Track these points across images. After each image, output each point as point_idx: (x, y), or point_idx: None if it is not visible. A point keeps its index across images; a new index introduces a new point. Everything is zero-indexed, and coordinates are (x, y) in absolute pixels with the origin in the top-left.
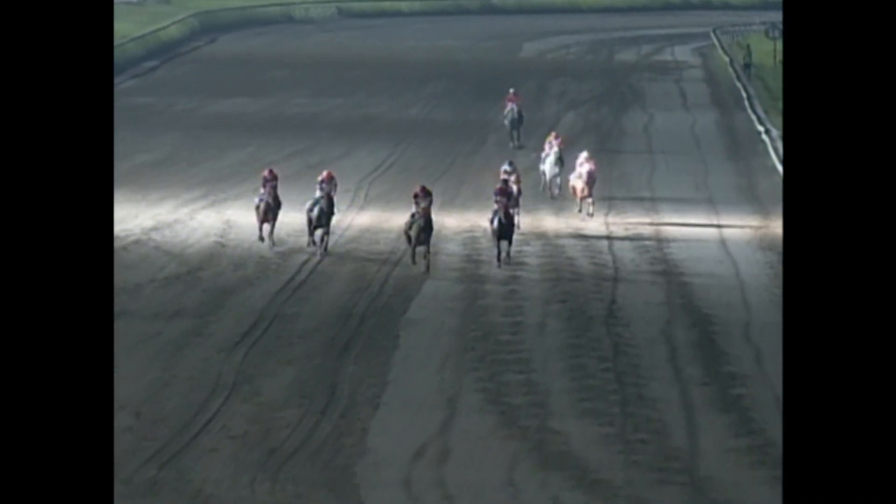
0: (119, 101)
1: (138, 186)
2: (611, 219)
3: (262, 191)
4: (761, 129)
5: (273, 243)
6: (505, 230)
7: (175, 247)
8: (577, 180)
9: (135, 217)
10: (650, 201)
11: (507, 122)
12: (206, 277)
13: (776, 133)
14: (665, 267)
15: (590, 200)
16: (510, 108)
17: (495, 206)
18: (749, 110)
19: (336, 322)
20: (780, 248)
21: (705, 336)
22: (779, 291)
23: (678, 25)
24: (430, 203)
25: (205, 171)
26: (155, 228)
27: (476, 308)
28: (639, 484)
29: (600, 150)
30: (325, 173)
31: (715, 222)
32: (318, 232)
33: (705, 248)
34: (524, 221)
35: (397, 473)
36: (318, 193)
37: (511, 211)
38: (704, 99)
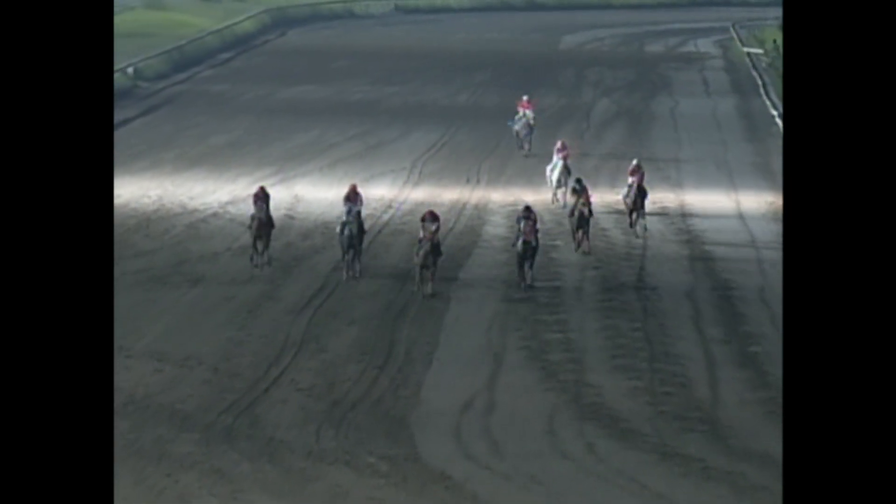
0: (198, 89)
1: (215, 165)
2: None
3: (253, 209)
4: (775, 113)
5: (268, 261)
6: (528, 253)
7: (248, 219)
8: (628, 195)
9: (213, 192)
10: (676, 178)
11: (516, 127)
12: (276, 247)
13: None
14: (689, 237)
15: (642, 217)
16: (522, 113)
17: (518, 230)
18: (764, 96)
19: (393, 287)
20: None
21: (725, 299)
22: None
23: (701, 20)
24: (438, 228)
25: (275, 151)
26: (231, 202)
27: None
28: (665, 432)
29: (632, 133)
30: (349, 188)
31: (734, 197)
32: (351, 253)
33: (725, 220)
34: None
35: (448, 422)
36: (345, 212)
37: (538, 235)
38: (724, 86)
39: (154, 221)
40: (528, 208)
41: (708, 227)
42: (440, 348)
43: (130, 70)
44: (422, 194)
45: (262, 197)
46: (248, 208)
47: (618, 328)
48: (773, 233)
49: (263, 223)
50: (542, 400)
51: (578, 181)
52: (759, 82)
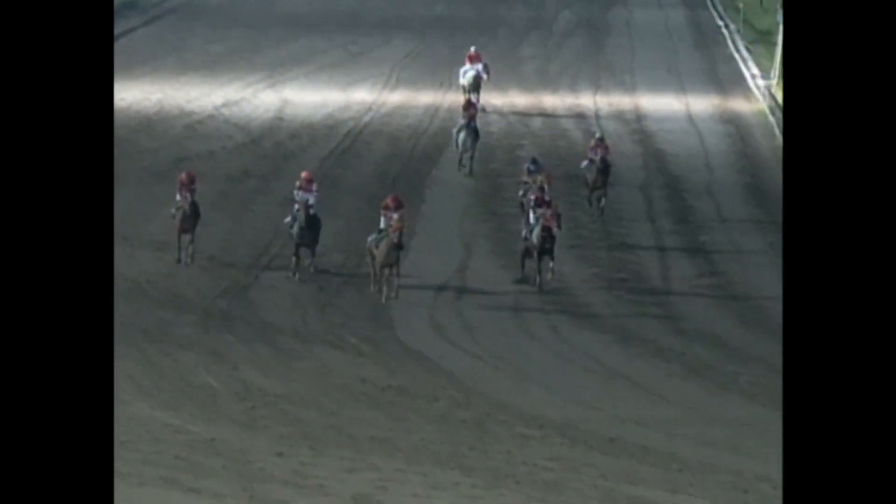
0: (197, 1)
1: (210, 71)
2: (598, 98)
3: (177, 198)
4: (721, 23)
5: (191, 258)
6: (547, 246)
7: (241, 120)
8: (589, 169)
9: (208, 96)
10: (630, 83)
11: (465, 82)
12: (267, 146)
13: (733, 27)
14: (642, 137)
15: (602, 195)
16: (467, 67)
17: (531, 218)
18: (711, 8)
19: (375, 182)
20: (737, 122)
21: (675, 193)
22: (735, 157)
23: None
24: (403, 216)
25: (266, 58)
26: (224, 105)
27: (488, 170)
28: (622, 315)
29: (590, 42)
30: (303, 174)
31: (683, 100)
32: (302, 251)
33: (675, 121)
34: (522, 102)
35: (424, 305)
36: (295, 204)
37: (551, 224)
38: None
39: (155, 122)
40: (542, 189)
41: (660, 128)
42: (416, 237)
43: None
44: (399, 97)
45: (187, 183)
46: (241, 111)
47: (578, 220)
48: (719, 133)
49: (188, 215)
50: (508, 286)
51: (534, 161)
52: None
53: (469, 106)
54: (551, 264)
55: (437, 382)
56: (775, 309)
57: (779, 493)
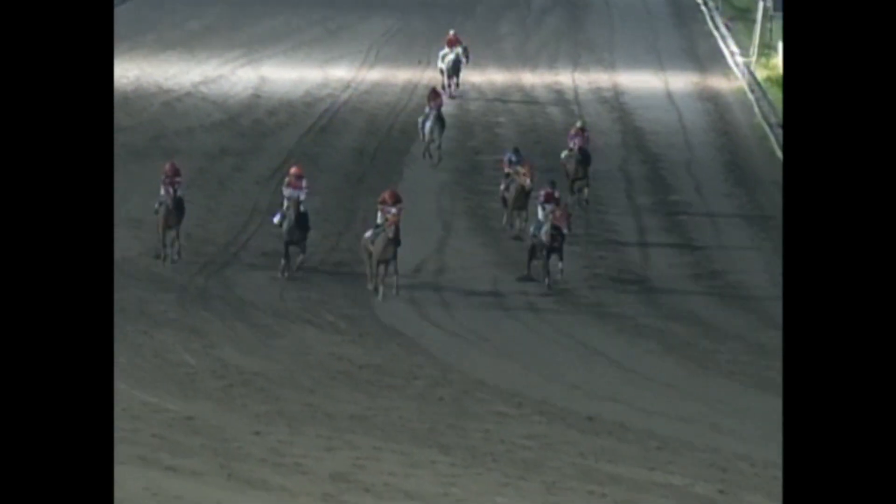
0: None
1: (188, 48)
2: (577, 75)
3: (161, 192)
4: (699, 1)
5: (179, 255)
6: (556, 244)
7: (219, 98)
8: (568, 159)
9: (186, 73)
10: (609, 61)
11: (444, 66)
12: (245, 123)
13: (712, 4)
14: (621, 114)
15: (584, 186)
16: (446, 51)
17: (540, 215)
18: None
19: (352, 159)
20: (716, 99)
21: (654, 171)
22: (714, 134)
23: None
24: (400, 212)
25: (244, 35)
26: (202, 83)
27: (466, 148)
28: (600, 292)
29: (569, 20)
30: (292, 170)
31: (662, 78)
32: (291, 249)
33: (654, 99)
34: (500, 78)
35: (402, 283)
36: (285, 201)
37: (560, 223)
38: None
39: (132, 100)
40: (553, 183)
41: (639, 106)
42: None
43: None
44: (378, 75)
45: (171, 175)
46: (219, 88)
47: None
48: (698, 111)
49: (171, 210)
50: (487, 263)
51: (516, 150)
52: None
53: (435, 96)
54: (560, 264)
55: (415, 361)
56: (754, 287)
57: (757, 470)
